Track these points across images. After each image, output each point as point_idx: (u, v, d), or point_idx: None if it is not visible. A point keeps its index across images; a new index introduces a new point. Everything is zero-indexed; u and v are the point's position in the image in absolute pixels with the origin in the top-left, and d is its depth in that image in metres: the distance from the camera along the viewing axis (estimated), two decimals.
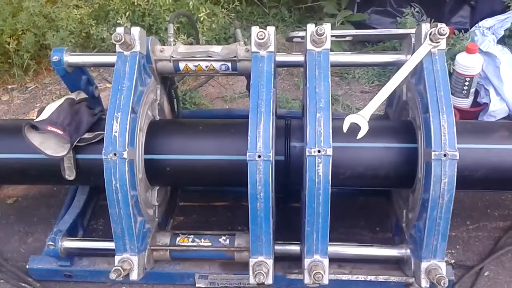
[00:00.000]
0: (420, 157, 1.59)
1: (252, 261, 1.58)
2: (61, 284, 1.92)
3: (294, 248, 1.72)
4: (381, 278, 1.77)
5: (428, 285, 1.58)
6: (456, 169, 1.47)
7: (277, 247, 1.69)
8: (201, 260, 1.84)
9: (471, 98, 2.57)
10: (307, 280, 1.57)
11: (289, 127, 1.77)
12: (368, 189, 2.11)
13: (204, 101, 2.80)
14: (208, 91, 2.92)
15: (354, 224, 2.08)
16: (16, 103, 2.92)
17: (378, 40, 3.00)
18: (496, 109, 2.49)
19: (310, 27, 1.61)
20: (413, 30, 1.72)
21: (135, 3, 2.67)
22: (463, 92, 2.51)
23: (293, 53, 2.83)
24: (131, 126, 1.57)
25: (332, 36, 1.63)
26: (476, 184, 1.72)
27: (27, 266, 1.89)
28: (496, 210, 2.15)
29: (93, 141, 1.70)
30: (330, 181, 1.47)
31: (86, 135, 1.72)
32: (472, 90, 2.52)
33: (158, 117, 1.84)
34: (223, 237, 1.75)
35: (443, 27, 1.55)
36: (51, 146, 1.67)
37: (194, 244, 1.74)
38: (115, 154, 1.52)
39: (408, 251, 1.70)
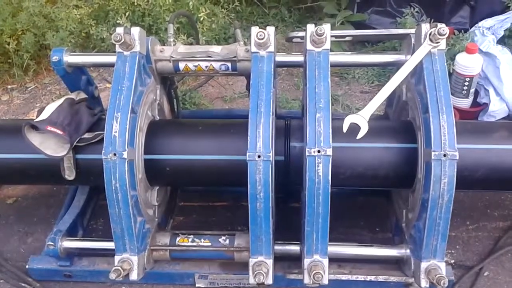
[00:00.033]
0: (420, 157, 1.59)
1: (252, 261, 1.58)
2: (61, 284, 1.92)
3: (294, 248, 1.72)
4: (380, 278, 1.77)
5: (427, 285, 1.58)
6: (456, 169, 1.47)
7: (277, 247, 1.69)
8: (201, 260, 1.85)
9: (471, 98, 2.57)
10: (306, 280, 1.57)
11: (289, 127, 1.77)
12: (368, 189, 2.11)
13: (204, 101, 2.80)
14: (208, 91, 2.92)
15: (354, 224, 2.08)
16: (16, 103, 2.92)
17: (378, 40, 3.00)
18: (496, 109, 2.49)
19: (310, 27, 1.61)
20: (412, 30, 1.72)
21: (135, 3, 2.67)
22: (463, 92, 2.52)
23: (293, 53, 2.83)
24: (131, 126, 1.57)
25: (332, 36, 1.63)
26: (475, 184, 1.72)
27: (27, 266, 1.89)
28: (495, 210, 2.15)
29: (93, 141, 1.70)
30: (330, 181, 1.47)
31: (86, 135, 1.72)
32: (472, 90, 2.52)
33: (158, 117, 1.84)
34: (223, 237, 1.75)
35: (443, 27, 1.55)
36: (50, 146, 1.67)
37: (194, 244, 1.74)
38: (115, 154, 1.52)
39: (408, 251, 1.70)
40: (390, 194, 2.03)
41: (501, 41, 2.66)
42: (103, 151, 1.53)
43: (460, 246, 2.01)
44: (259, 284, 1.57)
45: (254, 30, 1.60)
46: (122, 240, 1.61)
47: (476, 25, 2.77)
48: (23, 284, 1.91)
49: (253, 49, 1.62)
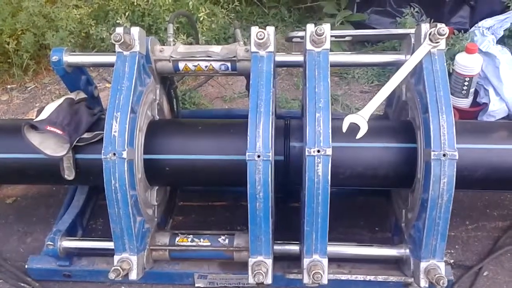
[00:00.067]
0: (419, 157, 1.59)
1: (251, 260, 1.58)
2: (60, 284, 1.92)
3: (293, 248, 1.72)
4: (380, 278, 1.77)
5: (427, 285, 1.58)
6: (455, 169, 1.47)
7: (276, 247, 1.69)
8: (200, 260, 1.84)
9: (470, 98, 2.57)
10: (306, 280, 1.57)
11: (289, 127, 1.77)
12: (368, 189, 2.11)
13: (204, 101, 2.80)
14: (207, 91, 2.92)
15: (353, 224, 2.08)
16: (16, 103, 2.92)
17: (378, 40, 3.00)
18: (496, 109, 2.50)
19: (310, 27, 1.61)
20: (412, 30, 1.72)
21: (135, 3, 2.67)
22: (463, 92, 2.52)
23: (293, 53, 2.83)
24: (131, 126, 1.57)
25: (331, 36, 1.63)
26: (475, 184, 1.72)
27: (26, 266, 1.89)
28: (495, 210, 2.16)
29: (93, 141, 1.70)
30: (329, 181, 1.47)
31: (86, 135, 1.72)
32: (472, 90, 2.52)
33: (158, 117, 1.84)
34: (222, 237, 1.75)
35: (443, 27, 1.55)
36: (50, 146, 1.67)
37: (193, 244, 1.74)
38: (114, 154, 1.52)
39: (407, 251, 1.70)
40: (390, 194, 2.03)
41: (500, 41, 2.67)
42: (102, 151, 1.53)
43: (460, 246, 2.01)
44: (258, 284, 1.57)
45: (254, 30, 1.60)
46: (121, 240, 1.61)
47: (476, 25, 2.77)
48: (22, 284, 1.91)
49: (253, 49, 1.62)
